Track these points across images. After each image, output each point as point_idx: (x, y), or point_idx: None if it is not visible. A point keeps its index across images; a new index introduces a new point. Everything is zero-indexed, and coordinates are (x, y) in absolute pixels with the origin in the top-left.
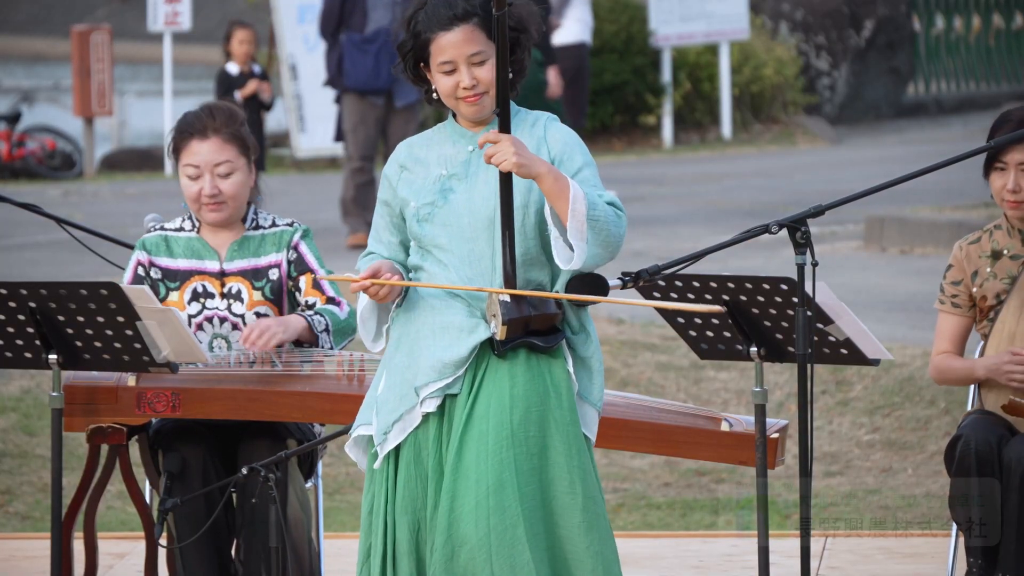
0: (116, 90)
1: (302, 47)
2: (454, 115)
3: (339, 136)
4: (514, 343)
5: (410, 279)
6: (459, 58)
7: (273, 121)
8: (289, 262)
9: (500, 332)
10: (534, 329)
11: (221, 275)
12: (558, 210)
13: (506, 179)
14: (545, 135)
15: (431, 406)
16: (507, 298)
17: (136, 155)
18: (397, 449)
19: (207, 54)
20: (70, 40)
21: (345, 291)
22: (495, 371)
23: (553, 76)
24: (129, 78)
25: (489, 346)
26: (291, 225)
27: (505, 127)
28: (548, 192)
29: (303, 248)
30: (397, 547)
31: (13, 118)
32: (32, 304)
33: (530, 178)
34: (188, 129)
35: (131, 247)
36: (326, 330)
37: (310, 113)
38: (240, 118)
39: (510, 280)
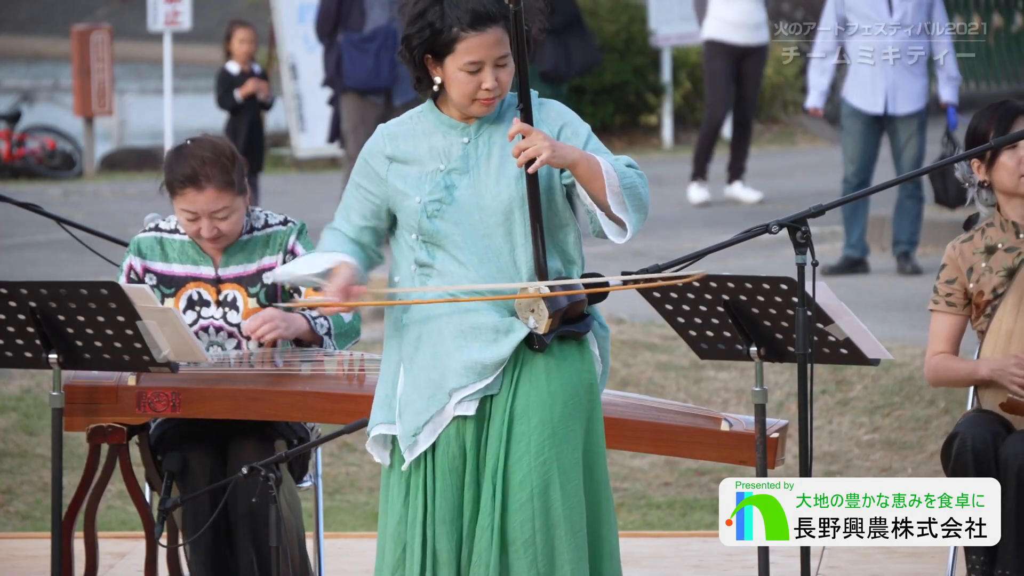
0: (116, 90)
1: (302, 47)
2: (434, 101)
3: (333, 137)
4: (551, 334)
5: (414, 273)
6: (488, 60)
7: (273, 121)
8: (285, 263)
9: (543, 326)
10: (569, 317)
11: (217, 281)
12: (594, 190)
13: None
14: (540, 115)
15: (470, 409)
16: (547, 290)
17: (136, 155)
18: (431, 456)
19: (207, 54)
20: (70, 40)
21: None
22: (530, 367)
23: None
24: (129, 78)
25: (525, 342)
26: (284, 224)
27: (528, 120)
28: (583, 176)
29: (299, 249)
30: (437, 556)
31: (13, 117)
32: (32, 304)
33: (564, 167)
34: (182, 179)
35: None
36: (328, 333)
37: (310, 113)
38: (230, 154)
39: (543, 272)
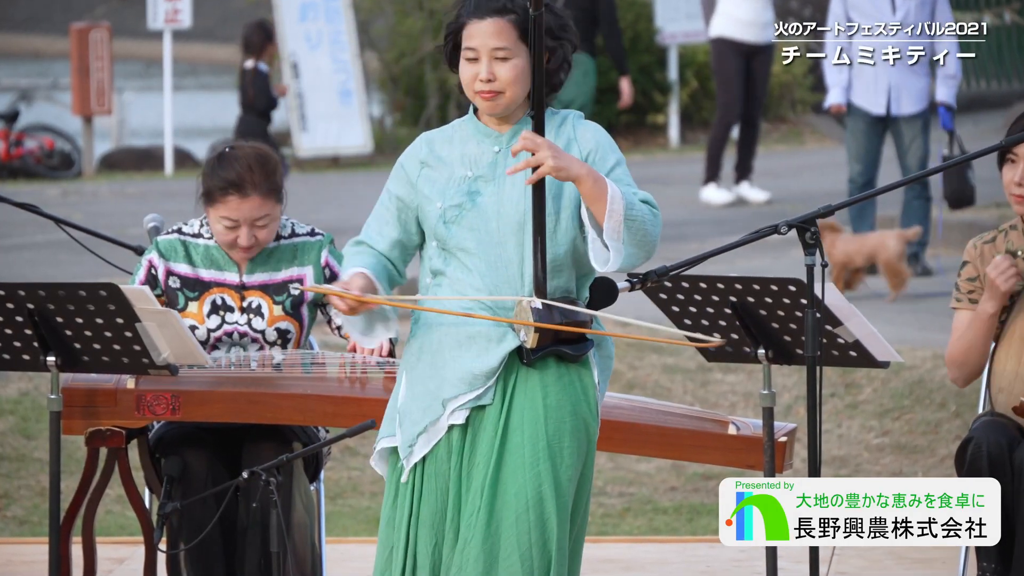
0: (115, 88)
1: (304, 45)
2: (475, 110)
3: None
4: (544, 352)
5: (429, 284)
6: (482, 48)
7: (274, 120)
8: (326, 279)
9: (531, 340)
10: (563, 337)
11: (241, 288)
12: (596, 212)
13: (538, 183)
14: (575, 134)
15: (460, 418)
16: (539, 305)
17: (135, 154)
18: (422, 462)
19: (207, 52)
20: (69, 38)
21: None
22: (526, 381)
23: (624, 86)
24: (128, 76)
25: (517, 355)
26: (313, 234)
27: (539, 130)
28: (587, 194)
29: (334, 264)
30: (418, 559)
31: (11, 117)
32: (30, 305)
33: (568, 180)
34: (227, 185)
35: (130, 247)
36: None
37: (312, 112)
38: (274, 161)
39: (541, 287)
